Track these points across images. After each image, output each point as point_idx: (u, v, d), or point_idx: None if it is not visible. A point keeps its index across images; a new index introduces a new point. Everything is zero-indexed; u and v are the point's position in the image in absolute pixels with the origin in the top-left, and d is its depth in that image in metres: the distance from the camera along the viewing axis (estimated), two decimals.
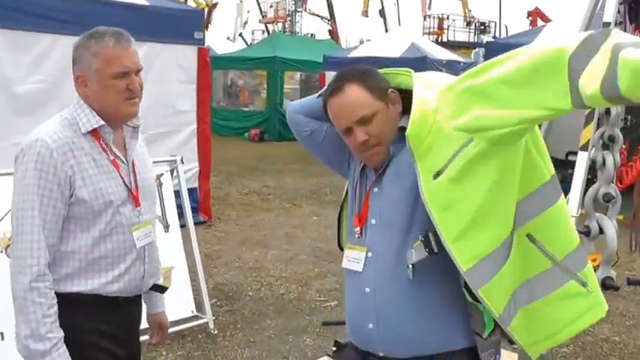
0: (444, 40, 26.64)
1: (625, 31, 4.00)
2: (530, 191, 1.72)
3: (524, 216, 1.71)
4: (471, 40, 28.53)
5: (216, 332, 4.52)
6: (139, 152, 2.15)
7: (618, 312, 5.16)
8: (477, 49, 21.75)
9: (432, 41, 20.81)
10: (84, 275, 1.99)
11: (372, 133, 1.78)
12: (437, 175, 1.65)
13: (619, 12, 3.69)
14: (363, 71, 1.84)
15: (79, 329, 1.97)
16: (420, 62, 13.92)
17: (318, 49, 17.96)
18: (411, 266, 1.73)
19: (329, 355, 2.87)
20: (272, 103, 16.87)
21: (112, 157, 2.02)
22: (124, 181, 2.04)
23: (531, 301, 1.75)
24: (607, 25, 3.55)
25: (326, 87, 1.87)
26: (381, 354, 1.84)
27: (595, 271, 4.03)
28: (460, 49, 22.80)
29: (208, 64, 7.01)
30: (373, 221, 1.84)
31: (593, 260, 4.10)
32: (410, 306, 1.77)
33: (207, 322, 4.53)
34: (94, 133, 1.99)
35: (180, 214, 4.64)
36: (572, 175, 10.78)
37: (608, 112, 4.09)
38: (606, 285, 4.01)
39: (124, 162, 2.07)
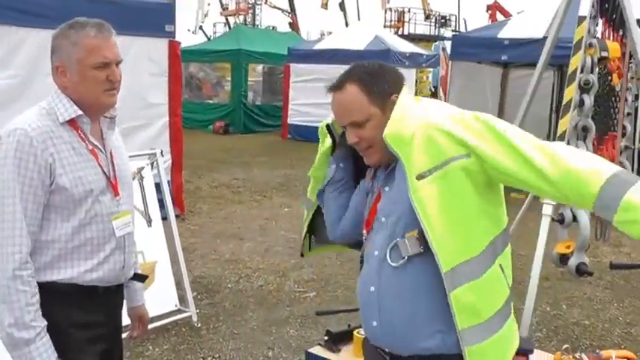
0: (405, 33, 26.88)
1: (597, 25, 4.13)
2: (504, 227, 1.83)
3: (498, 247, 1.79)
4: (432, 33, 28.89)
5: (199, 325, 4.53)
6: (115, 144, 2.16)
7: (586, 297, 5.37)
8: (437, 42, 22.03)
9: (393, 34, 20.98)
10: (63, 264, 1.98)
11: (364, 136, 1.81)
12: (420, 177, 1.70)
13: (593, 6, 3.83)
14: (371, 71, 1.83)
15: (57, 319, 1.96)
16: (384, 55, 14.07)
17: (282, 41, 17.93)
18: (405, 258, 1.75)
19: (321, 345, 2.91)
20: (236, 95, 16.78)
21: (90, 147, 2.02)
22: (102, 170, 2.04)
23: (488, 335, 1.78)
24: (582, 18, 3.69)
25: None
26: (386, 350, 1.86)
27: (569, 257, 4.21)
28: (421, 41, 23.07)
29: (179, 56, 6.96)
30: (382, 219, 1.84)
31: (568, 247, 4.26)
32: (409, 306, 1.77)
33: (190, 316, 4.54)
34: (72, 122, 1.99)
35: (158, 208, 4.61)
36: None
37: (582, 103, 4.25)
38: (580, 270, 4.17)
39: (102, 151, 2.07)
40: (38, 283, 1.93)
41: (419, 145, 1.73)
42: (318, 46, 15.57)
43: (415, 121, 1.76)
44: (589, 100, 3.85)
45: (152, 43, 6.64)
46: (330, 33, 25.51)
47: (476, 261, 1.72)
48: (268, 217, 7.90)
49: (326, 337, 2.96)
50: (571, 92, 3.62)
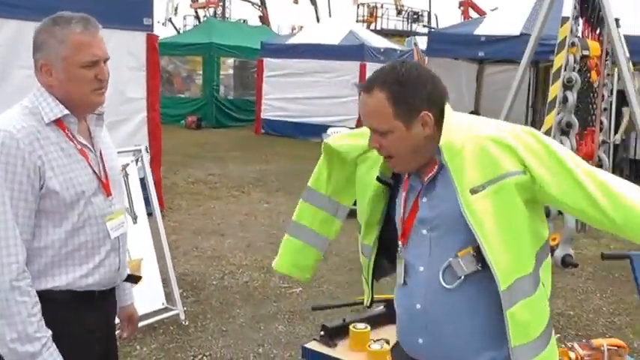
0: (377, 28, 26.95)
1: (578, 25, 4.21)
2: (545, 241, 1.77)
3: (541, 263, 1.75)
4: (404, 28, 29.03)
5: (187, 323, 4.48)
6: (104, 140, 2.07)
7: (569, 288, 5.47)
8: (409, 38, 22.15)
9: (366, 29, 21.02)
10: (57, 270, 1.89)
11: (383, 145, 1.73)
12: (473, 191, 1.63)
13: (575, 7, 3.89)
14: (405, 80, 1.68)
15: (54, 327, 1.86)
16: (358, 50, 14.12)
17: (254, 35, 17.85)
18: (462, 277, 1.68)
19: (316, 340, 2.90)
20: (208, 89, 16.62)
21: (79, 147, 1.92)
22: (93, 171, 1.95)
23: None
24: (566, 19, 3.75)
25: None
26: None
27: (555, 249, 4.29)
28: (394, 37, 23.14)
29: (157, 50, 6.85)
30: (424, 232, 1.76)
31: (553, 239, 4.34)
32: (461, 324, 1.72)
33: (177, 314, 4.48)
34: (59, 122, 1.89)
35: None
36: None
37: (565, 100, 4.33)
38: (566, 262, 4.25)
39: (91, 150, 1.98)
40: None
41: (470, 158, 1.65)
42: (292, 41, 15.51)
43: (463, 132, 1.68)
44: (572, 97, 3.93)
45: (130, 36, 6.52)
46: (302, 27, 25.46)
47: (529, 277, 1.68)
48: (247, 212, 7.85)
49: (322, 332, 2.94)
50: (555, 90, 3.68)
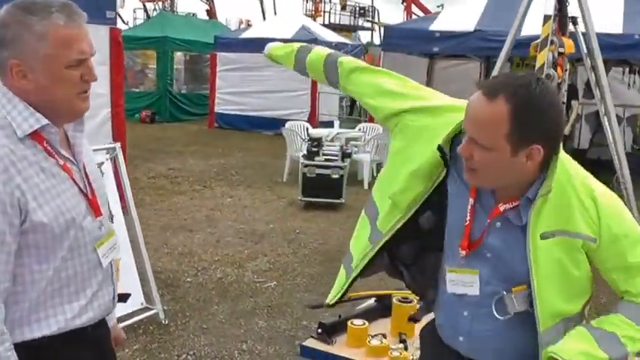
0: (324, 22, 26.97)
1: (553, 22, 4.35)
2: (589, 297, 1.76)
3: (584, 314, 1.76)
4: (351, 23, 29.17)
5: (167, 322, 4.44)
6: (86, 148, 1.73)
7: None
8: (356, 32, 22.23)
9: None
10: (43, 314, 1.56)
11: (475, 158, 1.55)
12: (544, 237, 1.57)
13: (555, 7, 4.03)
14: (534, 104, 1.48)
15: None
16: (311, 44, 14.12)
17: (206, 29, 17.69)
18: (512, 314, 1.66)
19: (313, 337, 2.92)
20: (162, 83, 16.35)
21: (61, 162, 1.59)
22: (79, 189, 1.62)
23: None
24: (547, 17, 3.88)
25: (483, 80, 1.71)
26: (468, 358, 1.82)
27: None
28: (341, 31, 23.20)
29: (121, 44, 6.68)
30: (488, 255, 1.69)
31: None
32: (504, 344, 1.73)
33: (157, 313, 4.44)
34: (34, 135, 1.54)
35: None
36: None
37: None
38: None
39: (74, 163, 1.64)
40: (15, 345, 1.51)
41: (554, 202, 1.58)
42: (245, 35, 15.41)
43: (559, 176, 1.59)
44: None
45: (93, 30, 6.32)
46: (249, 22, 25.27)
47: (572, 321, 1.68)
48: (213, 207, 7.80)
49: (319, 330, 2.95)
50: None
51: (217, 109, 15.45)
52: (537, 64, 3.79)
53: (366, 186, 8.98)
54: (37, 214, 1.50)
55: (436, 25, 9.66)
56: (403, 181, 1.73)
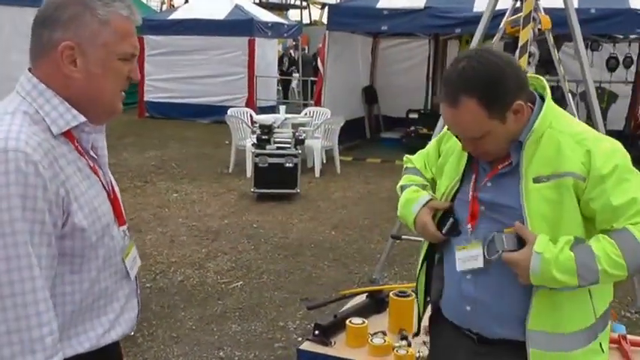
0: (254, 0, 26.42)
1: None
2: None
3: None
4: (281, 1, 28.71)
5: (133, 334, 4.08)
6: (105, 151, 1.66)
7: None
8: (288, 11, 21.91)
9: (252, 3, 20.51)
10: (74, 331, 1.47)
11: (479, 146, 1.70)
12: (536, 181, 1.66)
13: None
14: (491, 80, 1.60)
15: None
16: (246, 25, 13.71)
17: None
18: (500, 252, 1.69)
19: (309, 340, 2.73)
20: None
21: (91, 163, 1.51)
22: (107, 194, 1.55)
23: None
24: None
25: (441, 88, 1.77)
26: (475, 331, 1.83)
27: None
28: (273, 10, 22.77)
29: None
30: (482, 208, 1.78)
31: None
32: (508, 291, 1.75)
33: None
34: (67, 133, 1.44)
35: None
36: (414, 130, 11.55)
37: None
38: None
39: (99, 166, 1.56)
40: None
41: (544, 149, 1.68)
42: (174, 16, 14.74)
43: (547, 123, 1.70)
44: (532, 70, 4.02)
45: (19, 12, 5.72)
46: (172, 2, 24.36)
47: None
48: (159, 204, 7.38)
49: (316, 331, 2.78)
50: (523, 64, 3.71)
51: (147, 97, 14.72)
52: (521, 41, 3.69)
53: (317, 174, 8.53)
54: (77, 216, 1.40)
55: (384, 3, 9.30)
56: (455, 160, 1.89)
